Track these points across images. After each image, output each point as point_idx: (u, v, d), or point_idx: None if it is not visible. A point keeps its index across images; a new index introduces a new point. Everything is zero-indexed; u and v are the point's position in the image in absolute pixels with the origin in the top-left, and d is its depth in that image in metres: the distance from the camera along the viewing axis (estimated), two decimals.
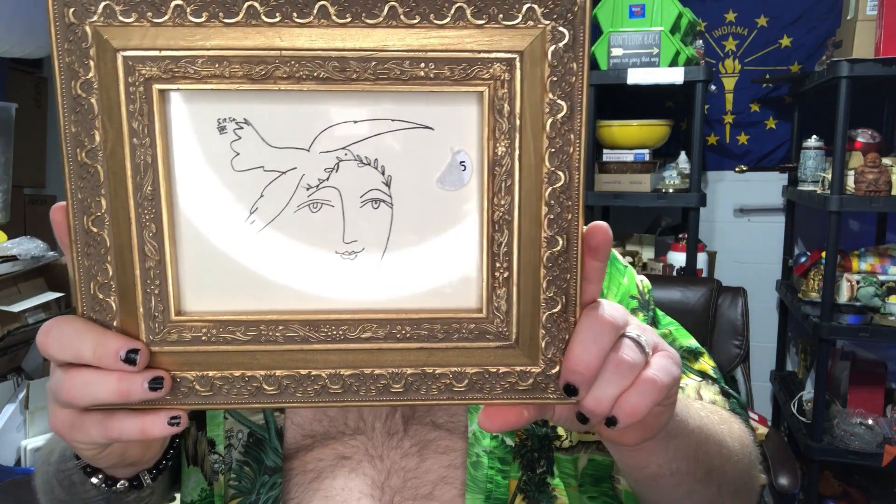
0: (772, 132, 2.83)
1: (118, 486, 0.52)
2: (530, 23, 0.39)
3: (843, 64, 2.03)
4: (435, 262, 0.43)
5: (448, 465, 0.60)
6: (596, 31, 2.46)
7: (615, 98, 2.65)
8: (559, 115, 0.40)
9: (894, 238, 2.65)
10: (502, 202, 0.41)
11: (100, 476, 0.51)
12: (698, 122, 2.29)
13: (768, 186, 2.82)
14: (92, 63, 0.39)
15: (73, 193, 0.40)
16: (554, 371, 0.43)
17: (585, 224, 0.42)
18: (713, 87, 2.72)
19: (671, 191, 2.42)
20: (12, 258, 1.95)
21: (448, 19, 0.39)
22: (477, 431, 0.60)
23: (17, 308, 1.90)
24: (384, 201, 0.42)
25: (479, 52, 0.39)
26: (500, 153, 0.41)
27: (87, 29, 0.38)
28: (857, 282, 2.19)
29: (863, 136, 2.31)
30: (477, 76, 0.40)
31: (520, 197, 0.41)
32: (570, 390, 0.41)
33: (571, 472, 0.63)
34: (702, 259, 2.48)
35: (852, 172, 2.10)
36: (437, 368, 0.43)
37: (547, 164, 0.40)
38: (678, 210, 2.80)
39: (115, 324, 0.41)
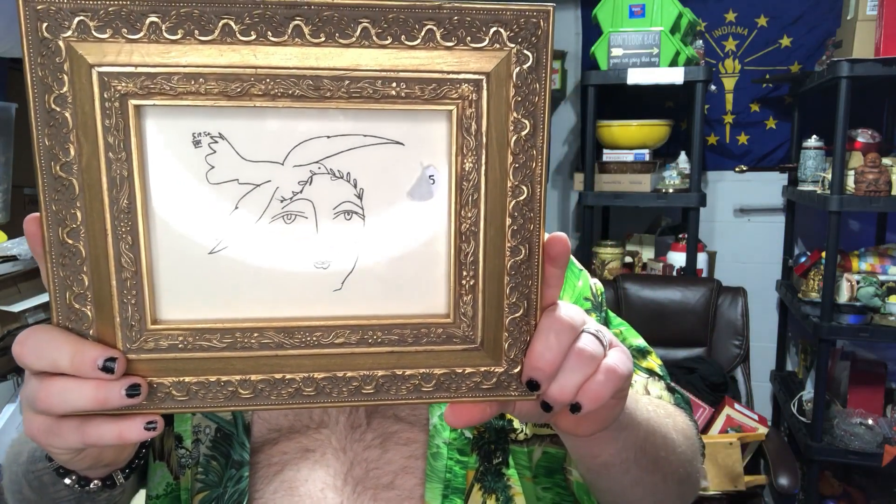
0: (772, 132, 2.83)
1: (91, 486, 0.53)
2: (496, 45, 0.41)
3: (843, 64, 2.03)
4: (404, 271, 0.45)
5: (409, 455, 0.63)
6: (596, 31, 2.46)
7: (615, 98, 2.65)
8: (523, 133, 0.42)
9: (894, 238, 2.65)
10: (469, 214, 0.43)
11: (73, 477, 0.52)
12: (698, 122, 2.29)
13: (768, 186, 2.82)
14: (66, 77, 0.39)
15: (48, 205, 0.40)
16: (516, 370, 0.46)
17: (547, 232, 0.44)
18: (713, 87, 2.72)
19: (671, 191, 2.42)
20: (12, 258, 1.95)
21: (419, 41, 0.41)
22: (438, 424, 0.63)
23: (17, 308, 1.90)
24: (356, 213, 0.44)
25: (449, 72, 0.41)
26: (467, 168, 0.43)
27: (61, 44, 0.38)
28: (857, 282, 2.19)
29: (863, 136, 2.31)
30: (446, 95, 0.42)
31: (485, 209, 0.43)
32: (533, 385, 0.44)
33: (526, 464, 0.65)
34: (702, 259, 2.48)
35: (852, 172, 2.10)
36: (406, 370, 0.45)
37: (511, 178, 0.43)
38: (678, 210, 2.80)
39: (91, 332, 0.42)
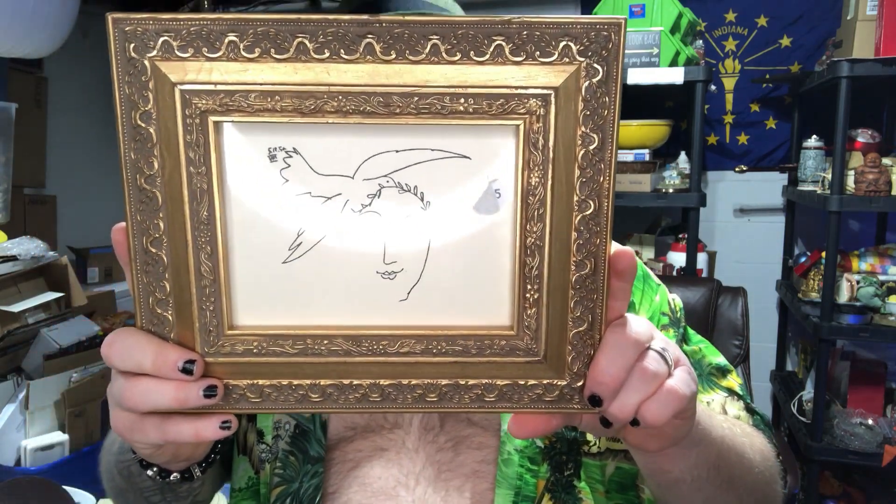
0: (772, 132, 2.83)
1: (171, 478, 0.56)
2: (566, 59, 0.41)
3: (843, 64, 2.03)
4: (469, 283, 0.45)
5: (481, 460, 0.63)
6: None
7: None
8: (591, 147, 0.42)
9: (894, 238, 2.65)
10: (534, 229, 0.43)
11: (154, 469, 0.56)
12: (698, 122, 2.29)
13: (768, 186, 2.82)
14: (151, 95, 0.41)
15: (133, 216, 0.42)
16: (579, 384, 0.46)
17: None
18: (713, 87, 2.72)
19: (671, 191, 2.42)
20: (12, 258, 1.95)
21: (487, 56, 0.41)
22: None
23: (17, 308, 1.90)
24: (423, 225, 0.44)
25: (517, 87, 0.41)
26: (533, 183, 0.43)
27: (146, 63, 0.40)
28: (857, 282, 2.19)
29: (863, 136, 2.31)
30: (514, 111, 0.42)
31: (551, 224, 0.43)
32: (595, 401, 0.44)
33: (598, 478, 0.65)
34: (702, 259, 2.48)
35: (852, 172, 2.10)
36: (469, 380, 0.46)
37: (578, 193, 0.43)
38: (678, 210, 2.80)
39: (171, 336, 0.45)
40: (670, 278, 2.43)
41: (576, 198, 0.43)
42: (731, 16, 2.79)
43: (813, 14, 2.69)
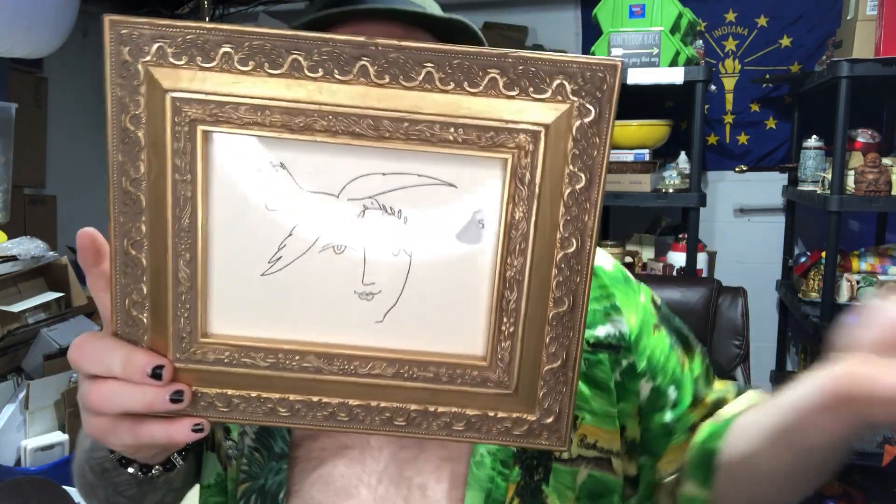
0: (772, 132, 2.83)
1: (153, 471, 0.56)
2: (559, 97, 0.41)
3: (843, 64, 2.03)
4: (446, 311, 0.45)
5: (445, 458, 0.63)
6: (596, 31, 2.46)
7: None
8: (578, 186, 0.42)
9: (894, 238, 2.65)
10: (515, 262, 0.43)
11: (135, 465, 0.55)
12: (698, 122, 2.29)
13: (768, 186, 2.82)
14: (142, 99, 0.41)
15: (116, 217, 0.42)
16: (549, 420, 0.46)
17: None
18: (713, 87, 2.72)
19: (671, 191, 2.42)
20: (12, 258, 1.95)
21: (480, 88, 0.40)
22: None
23: (17, 308, 1.90)
24: (404, 249, 0.44)
25: (508, 121, 0.41)
26: (517, 217, 0.43)
27: (140, 67, 0.40)
28: (857, 282, 2.19)
29: (863, 136, 2.31)
30: (503, 144, 0.41)
31: (532, 259, 0.43)
32: None
33: (569, 484, 0.64)
34: (702, 259, 2.48)
35: (852, 172, 2.10)
36: (439, 407, 0.46)
37: (561, 230, 0.42)
38: (678, 210, 2.80)
39: (145, 339, 0.45)
40: (670, 278, 2.43)
41: (559, 235, 0.42)
42: (731, 16, 2.79)
43: (813, 14, 2.69)
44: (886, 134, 2.55)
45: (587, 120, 0.41)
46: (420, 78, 0.40)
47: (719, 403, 0.70)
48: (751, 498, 0.63)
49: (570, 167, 0.41)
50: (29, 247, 1.99)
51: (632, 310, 0.69)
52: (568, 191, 0.42)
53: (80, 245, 0.45)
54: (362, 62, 0.40)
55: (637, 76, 2.29)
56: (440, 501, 0.62)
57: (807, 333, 2.53)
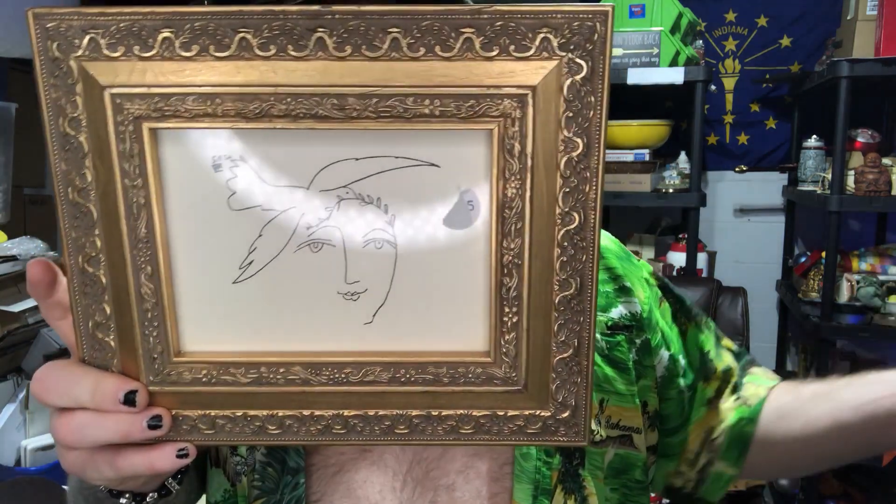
0: (772, 132, 2.83)
1: (148, 499, 0.52)
2: (545, 54, 0.36)
3: (843, 64, 2.03)
4: (440, 305, 0.41)
5: (473, 454, 0.61)
6: None
7: (615, 98, 2.64)
8: (575, 153, 0.38)
9: (894, 238, 2.65)
10: (512, 245, 0.39)
11: (127, 496, 0.51)
12: (698, 122, 2.28)
13: (768, 186, 2.82)
14: (79, 100, 0.37)
15: (68, 232, 0.39)
16: (564, 415, 0.42)
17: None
18: (713, 87, 2.71)
19: (671, 191, 2.42)
20: (12, 258, 1.95)
21: (455, 52, 0.36)
22: None
23: (17, 308, 1.90)
24: (388, 241, 0.40)
25: (489, 87, 0.37)
26: (510, 195, 0.38)
27: (73, 64, 0.36)
28: (857, 282, 2.19)
29: (863, 136, 2.31)
30: (486, 113, 0.37)
31: (531, 240, 0.39)
32: None
33: (599, 465, 0.65)
34: (702, 259, 2.48)
35: (852, 172, 2.10)
36: (442, 411, 0.42)
37: (560, 204, 0.38)
38: (678, 210, 2.79)
39: (115, 362, 0.41)
40: (670, 278, 2.43)
41: (558, 210, 0.38)
42: (731, 16, 2.79)
43: (813, 14, 2.69)
44: (886, 134, 2.54)
45: (579, 77, 0.36)
46: (385, 46, 0.36)
47: (727, 374, 0.73)
48: (786, 470, 0.69)
49: (565, 132, 0.37)
50: (29, 247, 1.99)
51: (639, 287, 0.69)
52: (564, 159, 0.38)
53: (30, 278, 0.41)
54: (318, 34, 0.36)
55: (637, 76, 2.29)
56: (471, 501, 0.60)
57: (807, 333, 2.53)
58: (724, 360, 0.74)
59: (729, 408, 0.71)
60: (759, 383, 0.73)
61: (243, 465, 0.64)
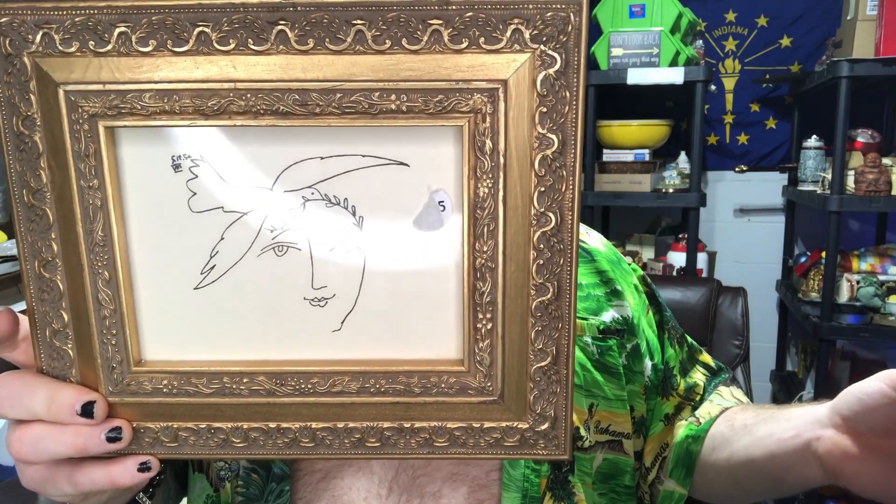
0: (772, 132, 2.83)
1: None
2: (516, 46, 0.35)
3: (843, 64, 2.03)
4: (412, 311, 0.39)
5: (459, 461, 0.60)
6: (596, 31, 2.46)
7: (615, 98, 2.65)
8: (549, 151, 0.36)
9: (894, 238, 2.65)
10: (485, 248, 0.37)
11: None
12: (698, 122, 2.28)
13: (768, 186, 2.82)
14: (33, 98, 0.36)
15: (23, 236, 0.37)
16: (543, 427, 0.40)
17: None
18: (713, 87, 2.71)
19: (671, 191, 2.42)
20: (12, 258, 1.95)
21: (422, 44, 0.35)
22: None
23: (17, 308, 1.89)
24: (356, 244, 0.39)
25: (458, 81, 0.35)
26: (481, 194, 0.37)
27: (26, 60, 0.35)
28: (857, 282, 2.19)
29: (863, 136, 2.31)
30: (455, 109, 0.36)
31: (504, 242, 0.37)
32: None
33: (588, 471, 0.65)
34: (702, 259, 2.48)
35: (852, 172, 2.10)
36: (415, 423, 0.40)
37: (535, 205, 0.37)
38: (678, 210, 2.79)
39: (73, 372, 0.40)
40: (670, 278, 2.43)
41: (533, 210, 0.37)
42: (731, 16, 2.79)
43: (813, 14, 2.69)
44: (886, 134, 2.54)
45: (552, 70, 0.35)
46: (350, 39, 0.35)
47: (690, 392, 0.72)
48: (725, 498, 0.67)
49: (539, 129, 0.36)
50: None
51: (629, 291, 0.69)
52: (539, 157, 0.36)
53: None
54: (280, 27, 0.35)
55: (637, 76, 2.29)
56: None
57: (807, 333, 2.53)
58: (692, 377, 0.73)
59: (682, 425, 0.70)
60: (718, 402, 0.71)
61: (227, 471, 0.63)
